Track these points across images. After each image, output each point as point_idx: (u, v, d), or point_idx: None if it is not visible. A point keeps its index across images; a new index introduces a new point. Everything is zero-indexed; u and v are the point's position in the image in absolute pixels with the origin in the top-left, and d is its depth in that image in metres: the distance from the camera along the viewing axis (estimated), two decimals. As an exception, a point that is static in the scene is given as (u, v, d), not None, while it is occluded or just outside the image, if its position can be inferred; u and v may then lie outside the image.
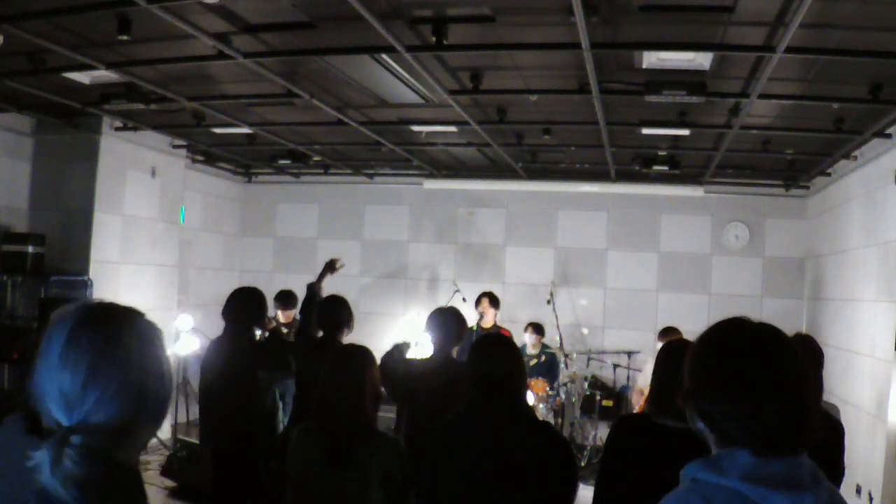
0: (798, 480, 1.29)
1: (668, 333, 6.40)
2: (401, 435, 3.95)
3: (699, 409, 1.39)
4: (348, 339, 4.38)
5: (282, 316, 6.81)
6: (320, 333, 4.39)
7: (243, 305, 4.38)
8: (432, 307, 4.29)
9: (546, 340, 8.05)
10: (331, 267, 4.85)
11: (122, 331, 1.24)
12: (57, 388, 1.18)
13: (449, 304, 5.09)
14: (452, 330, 4.01)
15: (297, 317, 5.80)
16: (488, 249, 9.56)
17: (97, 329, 1.22)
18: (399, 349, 4.23)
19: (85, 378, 1.17)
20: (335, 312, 4.35)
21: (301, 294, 4.91)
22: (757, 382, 1.34)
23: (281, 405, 4.36)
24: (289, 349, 4.46)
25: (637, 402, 7.26)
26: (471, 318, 6.74)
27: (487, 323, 7.17)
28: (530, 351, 7.83)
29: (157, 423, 1.29)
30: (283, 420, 4.40)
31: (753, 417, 1.32)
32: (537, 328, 7.89)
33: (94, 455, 1.14)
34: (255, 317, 4.39)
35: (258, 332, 4.53)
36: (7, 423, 1.61)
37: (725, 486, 1.30)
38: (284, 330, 6.67)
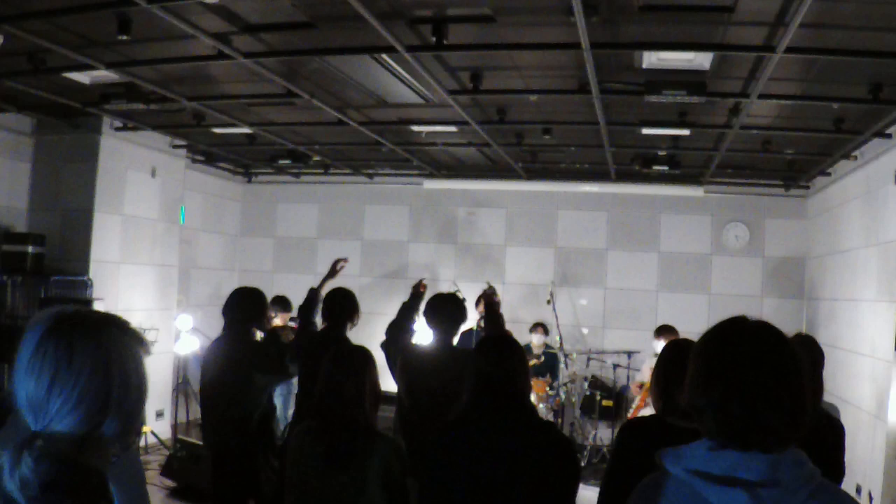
0: (745, 477, 1.29)
1: (665, 332, 6.40)
2: (399, 431, 3.95)
3: (691, 403, 1.42)
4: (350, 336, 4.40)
5: (279, 319, 7.04)
6: (323, 326, 4.41)
7: (243, 306, 4.37)
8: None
9: (547, 340, 8.06)
10: (332, 271, 4.89)
11: (88, 340, 1.25)
12: (24, 393, 1.20)
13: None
14: (452, 315, 4.01)
15: (293, 319, 5.86)
16: (488, 249, 9.56)
17: (63, 337, 1.23)
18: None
19: (48, 386, 1.19)
20: (340, 304, 4.37)
21: (295, 298, 4.93)
22: (729, 375, 1.36)
23: (280, 406, 4.35)
24: (286, 351, 4.45)
25: (637, 395, 7.24)
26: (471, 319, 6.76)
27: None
28: (534, 351, 7.84)
29: (127, 433, 1.28)
30: (280, 421, 4.39)
31: (721, 409, 1.35)
32: (545, 329, 7.95)
33: (52, 461, 1.15)
34: (254, 317, 4.38)
35: (258, 333, 4.52)
36: (9, 423, 1.62)
37: (676, 475, 1.36)
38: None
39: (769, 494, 1.28)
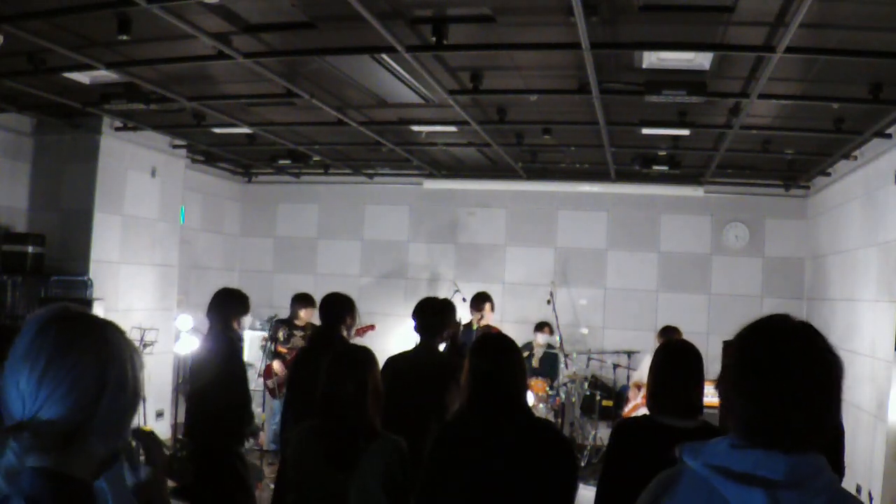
0: (764, 476, 1.27)
1: (668, 332, 6.38)
2: None
3: (720, 393, 1.42)
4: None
5: (304, 314, 7.12)
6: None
7: (219, 307, 4.57)
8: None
9: (550, 340, 8.05)
10: (361, 330, 5.08)
11: (90, 332, 1.24)
12: (16, 381, 1.18)
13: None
14: (434, 319, 4.00)
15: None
16: (488, 250, 9.56)
17: (64, 329, 1.22)
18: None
19: (41, 373, 1.18)
20: (337, 307, 4.46)
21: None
22: (764, 373, 1.34)
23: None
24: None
25: (634, 399, 7.25)
26: (468, 318, 6.76)
27: (483, 323, 7.17)
28: (535, 351, 7.83)
29: (112, 437, 1.26)
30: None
31: (750, 406, 1.34)
32: (552, 329, 7.94)
33: (38, 451, 1.14)
34: (228, 317, 4.53)
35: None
36: None
37: (695, 470, 1.36)
38: (281, 335, 7.01)
39: (788, 497, 1.26)
